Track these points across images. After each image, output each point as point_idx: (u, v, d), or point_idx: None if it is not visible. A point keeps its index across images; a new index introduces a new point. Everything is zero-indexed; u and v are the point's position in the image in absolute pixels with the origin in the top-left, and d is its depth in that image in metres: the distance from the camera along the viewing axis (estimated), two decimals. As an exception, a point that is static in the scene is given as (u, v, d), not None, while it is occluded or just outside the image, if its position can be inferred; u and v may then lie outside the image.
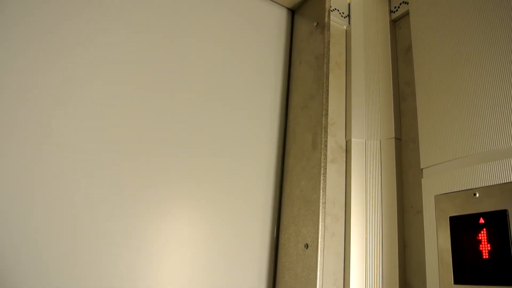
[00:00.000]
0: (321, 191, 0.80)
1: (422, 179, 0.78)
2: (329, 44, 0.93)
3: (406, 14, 1.01)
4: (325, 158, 0.82)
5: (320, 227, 0.77)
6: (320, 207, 0.79)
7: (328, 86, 0.89)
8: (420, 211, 0.81)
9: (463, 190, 0.69)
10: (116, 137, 0.77)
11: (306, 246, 0.79)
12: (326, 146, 0.83)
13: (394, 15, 1.05)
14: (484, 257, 0.62)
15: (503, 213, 0.62)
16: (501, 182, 0.64)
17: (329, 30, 0.94)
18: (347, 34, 1.09)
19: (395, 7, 1.05)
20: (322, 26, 0.95)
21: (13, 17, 0.73)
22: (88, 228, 0.70)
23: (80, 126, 0.74)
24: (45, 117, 0.71)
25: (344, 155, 0.96)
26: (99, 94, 0.77)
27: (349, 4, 1.10)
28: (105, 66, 0.79)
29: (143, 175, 0.78)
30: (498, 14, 0.72)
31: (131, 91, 0.81)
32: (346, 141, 0.97)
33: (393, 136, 0.93)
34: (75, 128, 0.73)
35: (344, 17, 1.08)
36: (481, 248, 0.63)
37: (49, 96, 0.72)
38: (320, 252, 0.75)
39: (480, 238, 0.64)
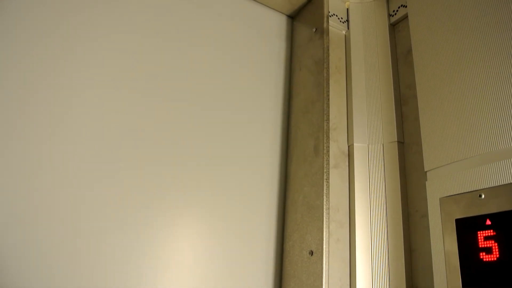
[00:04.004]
0: (325, 197, 0.79)
1: (426, 182, 0.78)
2: (328, 49, 0.93)
3: (405, 17, 1.01)
4: (328, 164, 0.82)
5: (324, 233, 0.76)
6: (324, 213, 0.78)
7: (328, 91, 0.88)
8: (425, 215, 0.80)
9: (468, 192, 0.68)
10: (119, 144, 0.77)
11: (311, 253, 0.78)
12: (328, 151, 0.83)
13: (393, 19, 1.05)
14: (492, 259, 0.61)
15: (510, 214, 0.61)
16: (506, 183, 0.63)
17: (328, 35, 0.94)
18: (347, 39, 1.09)
19: (393, 11, 1.05)
20: (321, 31, 0.95)
21: (13, 17, 0.73)
22: (92, 237, 0.70)
23: (83, 130, 0.74)
24: (49, 119, 0.71)
25: (347, 160, 0.95)
26: (99, 98, 0.77)
27: (347, 9, 1.11)
28: (106, 70, 0.80)
29: (146, 184, 0.77)
30: (498, 16, 0.72)
31: (132, 96, 0.81)
32: (348, 146, 0.97)
33: (396, 139, 0.92)
34: (77, 132, 0.73)
35: (343, 22, 1.08)
36: (489, 250, 0.62)
37: (53, 99, 0.72)
38: (325, 258, 0.74)
39: (487, 240, 0.63)
